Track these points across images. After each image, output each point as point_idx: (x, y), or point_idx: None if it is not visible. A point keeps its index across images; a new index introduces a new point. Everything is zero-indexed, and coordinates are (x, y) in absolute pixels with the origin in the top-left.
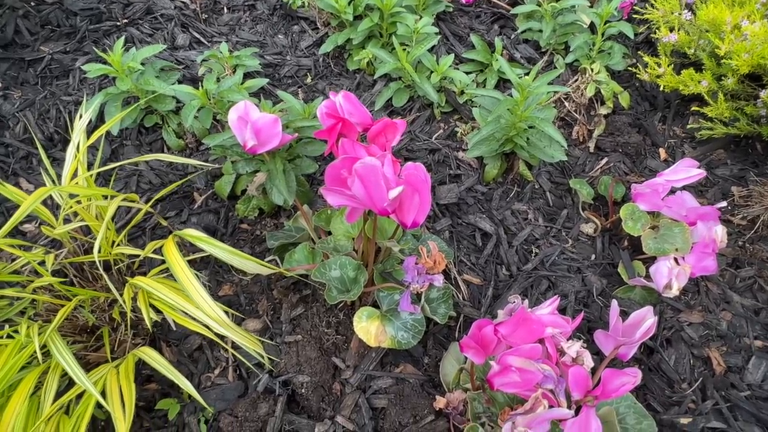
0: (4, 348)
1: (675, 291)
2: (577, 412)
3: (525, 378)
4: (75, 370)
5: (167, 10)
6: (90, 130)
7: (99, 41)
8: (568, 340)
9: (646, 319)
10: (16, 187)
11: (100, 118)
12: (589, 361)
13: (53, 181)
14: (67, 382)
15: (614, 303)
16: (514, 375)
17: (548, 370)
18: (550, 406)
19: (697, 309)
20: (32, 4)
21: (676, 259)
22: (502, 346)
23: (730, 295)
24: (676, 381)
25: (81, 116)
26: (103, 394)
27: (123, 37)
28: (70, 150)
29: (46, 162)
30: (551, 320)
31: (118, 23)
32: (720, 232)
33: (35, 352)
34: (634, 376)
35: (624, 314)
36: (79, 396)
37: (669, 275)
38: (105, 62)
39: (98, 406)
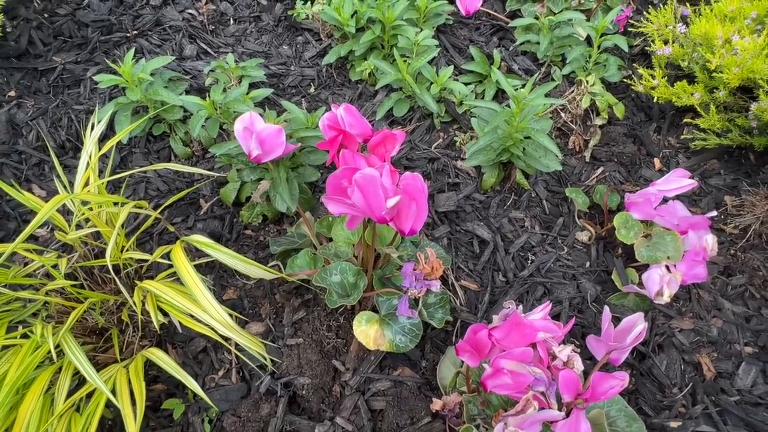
0: (20, 348)
1: (666, 298)
2: (568, 415)
3: (516, 380)
4: (87, 369)
5: (175, 22)
6: (101, 137)
7: (109, 52)
8: (559, 344)
9: (636, 325)
10: (29, 193)
11: (110, 127)
12: (579, 364)
13: (65, 188)
14: (77, 382)
15: (606, 309)
16: (506, 377)
17: (539, 372)
18: (541, 408)
19: (689, 316)
20: (45, 15)
21: (667, 267)
22: (497, 350)
23: (721, 303)
24: (667, 386)
25: (93, 126)
26: (113, 393)
27: (133, 49)
28: (83, 159)
29: (59, 169)
30: (543, 325)
31: (128, 35)
32: (710, 240)
33: (49, 352)
34: (621, 380)
35: (617, 320)
36: (89, 395)
37: (660, 282)
38: (116, 73)
39: (106, 404)
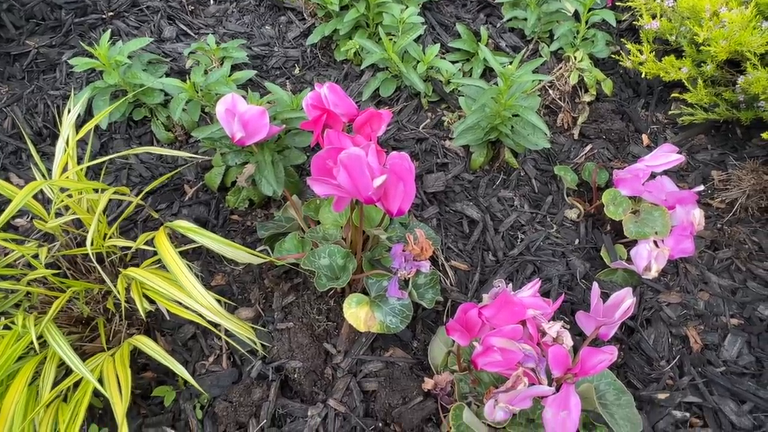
0: (1, 339)
1: (654, 273)
2: (558, 389)
3: (506, 357)
4: (71, 358)
5: (153, 3)
6: (79, 124)
7: (85, 34)
8: (549, 321)
9: (625, 300)
10: (7, 182)
11: (89, 112)
12: (568, 340)
13: (43, 176)
14: (64, 372)
15: (595, 285)
16: (496, 355)
17: (529, 349)
18: (531, 384)
19: (676, 290)
20: None
21: (655, 242)
22: (487, 329)
23: (707, 276)
24: (655, 359)
25: (69, 111)
26: (101, 382)
27: (109, 31)
28: (60, 144)
29: (36, 157)
30: (532, 302)
31: (104, 16)
32: (698, 215)
33: (32, 342)
34: (610, 354)
35: (605, 296)
36: (76, 385)
37: (648, 257)
38: (92, 56)
39: (95, 394)
